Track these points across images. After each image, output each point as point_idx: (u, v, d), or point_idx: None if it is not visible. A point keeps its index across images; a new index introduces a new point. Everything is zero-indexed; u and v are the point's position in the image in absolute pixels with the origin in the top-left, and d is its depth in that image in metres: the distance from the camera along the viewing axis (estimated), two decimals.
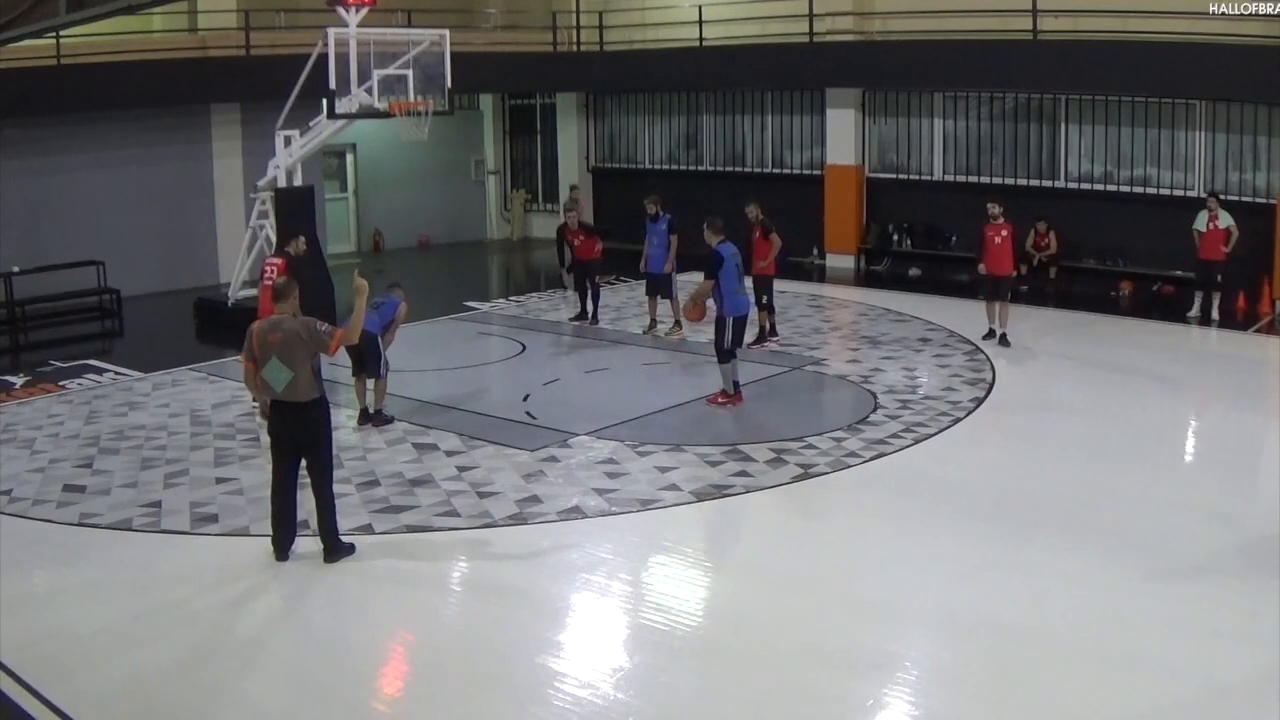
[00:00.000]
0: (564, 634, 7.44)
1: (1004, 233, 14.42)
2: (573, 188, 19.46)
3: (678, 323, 15.51)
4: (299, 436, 8.21)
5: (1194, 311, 16.21)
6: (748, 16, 20.72)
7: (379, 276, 21.26)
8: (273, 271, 12.35)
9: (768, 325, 14.94)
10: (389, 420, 11.67)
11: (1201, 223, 15.99)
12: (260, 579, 8.30)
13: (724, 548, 9.11)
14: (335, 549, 8.35)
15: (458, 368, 14.27)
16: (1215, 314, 16.01)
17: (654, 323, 15.89)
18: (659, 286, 15.69)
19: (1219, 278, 15.97)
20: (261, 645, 7.29)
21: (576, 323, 16.44)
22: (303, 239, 13.56)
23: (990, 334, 14.69)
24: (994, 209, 14.49)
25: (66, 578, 8.33)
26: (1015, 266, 14.74)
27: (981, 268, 14.59)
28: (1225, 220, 15.86)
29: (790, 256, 20.81)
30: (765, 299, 14.74)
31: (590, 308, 16.43)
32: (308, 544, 8.50)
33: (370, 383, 11.73)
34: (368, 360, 11.52)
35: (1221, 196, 16.30)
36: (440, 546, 8.76)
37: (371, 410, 11.71)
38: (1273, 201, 16.63)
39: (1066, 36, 17.48)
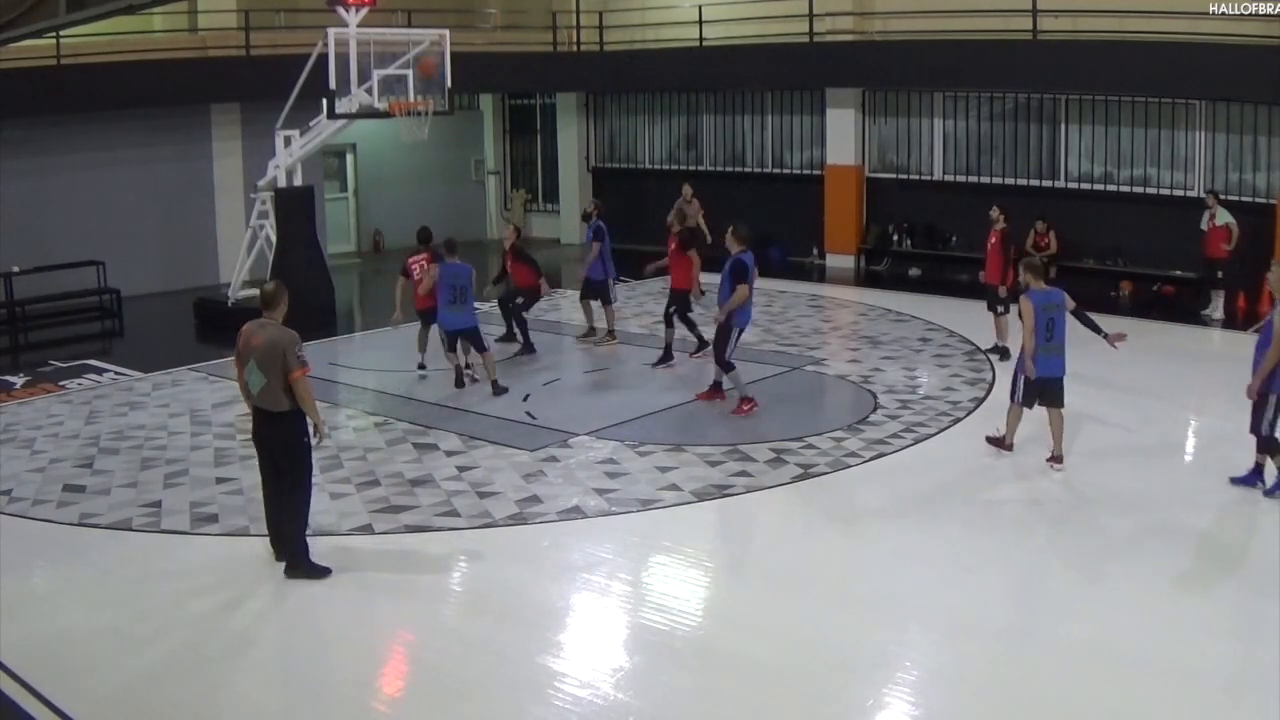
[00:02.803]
0: (564, 634, 7.45)
1: (992, 239, 13.82)
2: (685, 186, 18.63)
3: (611, 332, 15.02)
4: (273, 445, 8.09)
5: (1209, 309, 16.26)
6: (748, 16, 20.71)
7: (379, 277, 21.30)
8: (419, 269, 13.35)
9: (698, 338, 13.90)
10: (504, 390, 12.65)
11: (1204, 221, 16.06)
12: (260, 579, 8.31)
13: (724, 548, 9.12)
14: (296, 565, 8.06)
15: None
16: (1220, 313, 16.06)
17: (592, 330, 15.24)
18: (596, 292, 14.93)
19: (1219, 275, 16.01)
20: (261, 645, 7.29)
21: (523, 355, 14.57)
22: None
23: (994, 348, 14.02)
24: (991, 212, 14.03)
25: (66, 578, 8.34)
26: (1003, 277, 13.59)
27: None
28: (1224, 217, 15.93)
29: (791, 256, 20.89)
30: (673, 311, 13.77)
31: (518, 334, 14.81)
32: (311, 544, 8.49)
33: (478, 355, 12.91)
34: (473, 338, 12.82)
35: (1220, 195, 16.34)
36: (440, 546, 8.77)
37: (492, 380, 12.68)
38: (1273, 201, 16.63)
39: (1066, 36, 17.48)
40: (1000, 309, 13.85)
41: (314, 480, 9.93)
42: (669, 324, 13.89)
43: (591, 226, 15.00)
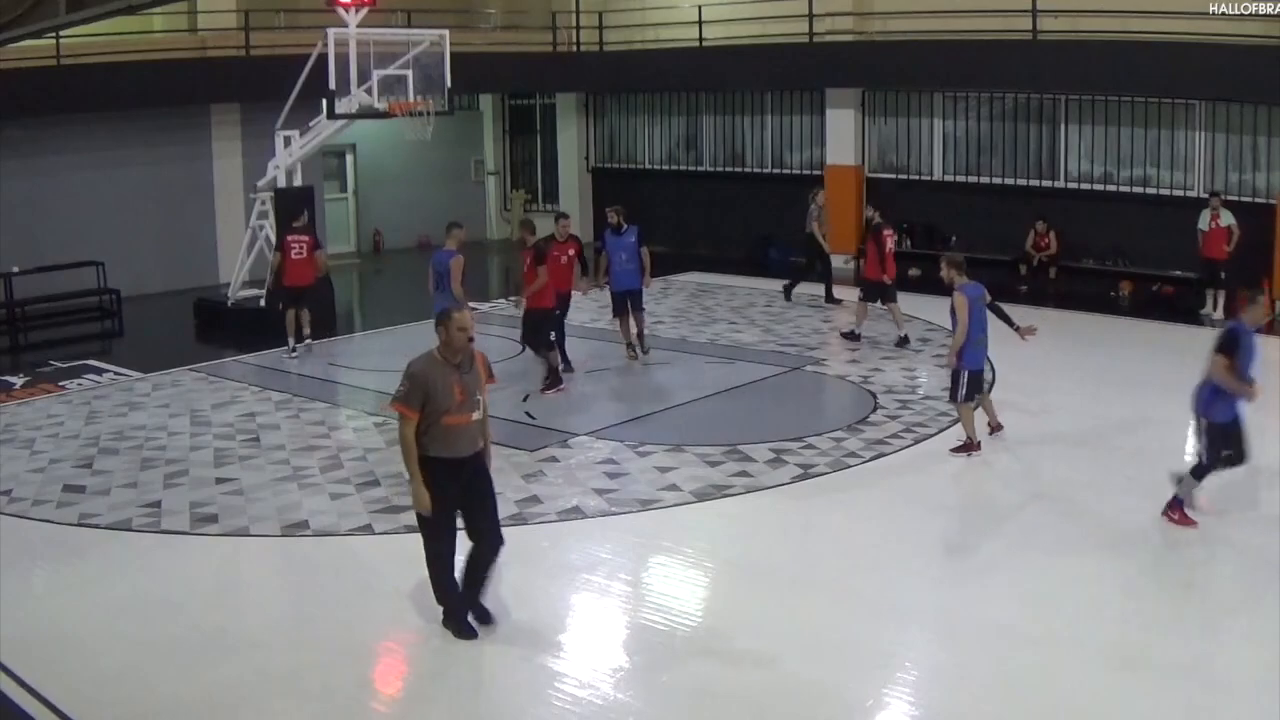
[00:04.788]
0: (564, 634, 7.44)
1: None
2: (819, 192, 17.75)
3: (632, 345, 14.00)
4: None
5: (1207, 309, 16.34)
6: (747, 17, 20.71)
7: (376, 277, 21.32)
8: (301, 249, 14.12)
9: (556, 365, 12.89)
10: None
11: (1204, 221, 16.10)
12: (259, 579, 8.31)
13: (724, 548, 9.10)
14: (447, 616, 7.23)
15: None
16: (1221, 313, 16.09)
17: (633, 345, 14.07)
18: (636, 302, 13.88)
19: (1222, 275, 16.04)
20: (261, 645, 7.28)
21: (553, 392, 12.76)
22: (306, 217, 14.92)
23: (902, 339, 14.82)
24: (866, 211, 15.23)
25: (66, 578, 8.35)
26: (876, 269, 14.75)
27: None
28: (1227, 218, 15.96)
29: (790, 257, 20.87)
30: (553, 336, 12.92)
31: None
32: (311, 544, 8.50)
33: None
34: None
35: (1224, 196, 16.36)
36: None
37: None
38: (1272, 202, 16.63)
39: (1066, 36, 17.48)
40: (880, 299, 14.88)
41: (316, 480, 10.02)
42: (549, 347, 12.83)
43: (632, 231, 13.78)
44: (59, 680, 6.70)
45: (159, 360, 14.59)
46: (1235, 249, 15.96)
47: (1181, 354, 14.85)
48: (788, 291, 18.03)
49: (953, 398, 10.57)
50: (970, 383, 10.42)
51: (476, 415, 6.92)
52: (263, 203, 16.68)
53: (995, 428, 10.89)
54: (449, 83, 15.62)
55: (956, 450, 10.52)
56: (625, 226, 13.84)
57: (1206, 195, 16.61)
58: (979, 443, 10.52)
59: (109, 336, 16.96)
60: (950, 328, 10.66)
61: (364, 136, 22.08)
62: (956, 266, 10.48)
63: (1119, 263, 18.11)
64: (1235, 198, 16.84)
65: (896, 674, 6.76)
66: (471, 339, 6.91)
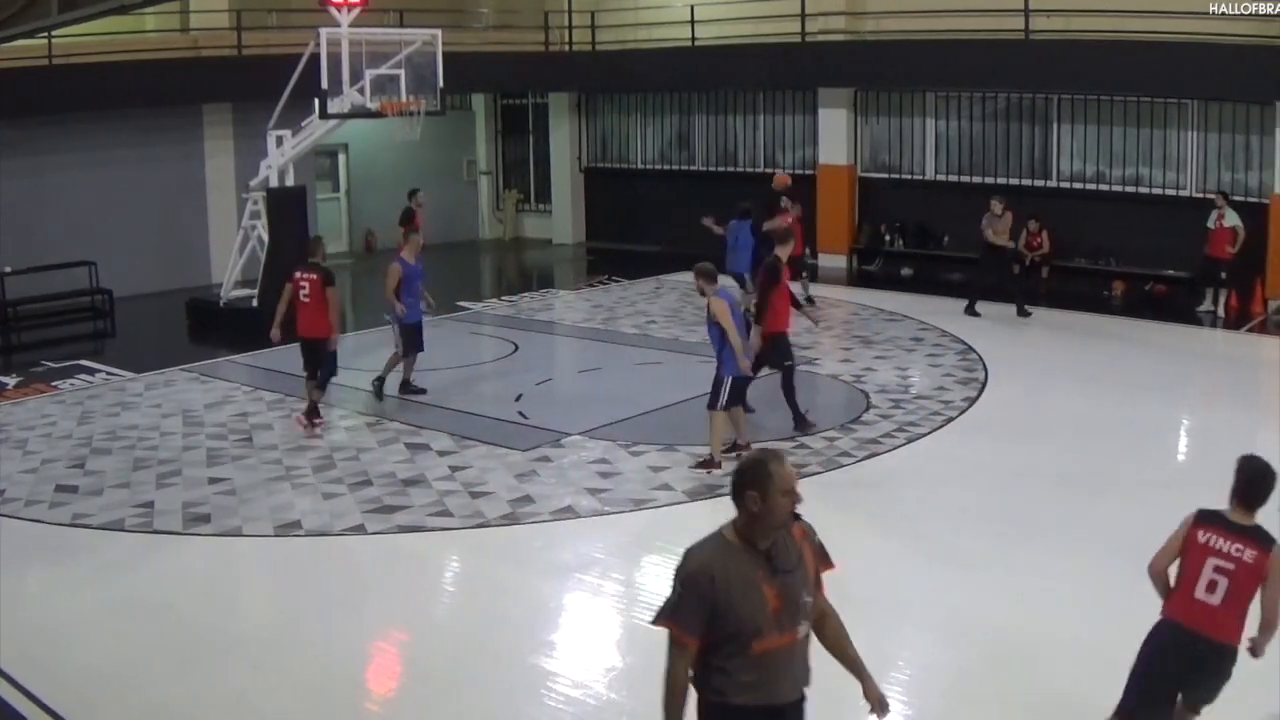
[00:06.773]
0: (557, 634, 7.44)
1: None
2: (996, 200, 16.31)
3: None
4: None
5: (1206, 306, 16.40)
6: (740, 16, 20.71)
7: (369, 277, 21.25)
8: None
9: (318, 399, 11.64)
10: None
11: (1212, 220, 16.10)
12: (253, 579, 8.30)
13: None
14: None
15: (450, 368, 14.23)
16: (1221, 311, 16.13)
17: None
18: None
19: (1223, 275, 16.08)
20: (253, 645, 7.28)
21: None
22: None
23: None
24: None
25: (59, 578, 8.32)
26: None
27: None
28: (1232, 219, 15.98)
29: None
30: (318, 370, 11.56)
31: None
32: (305, 544, 8.49)
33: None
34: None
35: (1229, 195, 16.36)
36: (433, 546, 8.76)
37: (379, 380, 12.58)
38: (1265, 201, 16.67)
39: (1059, 36, 17.51)
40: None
41: (309, 480, 10.02)
42: (312, 376, 11.59)
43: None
44: (51, 680, 6.69)
45: (152, 360, 14.55)
46: (1239, 249, 15.95)
47: (1174, 353, 14.94)
48: (971, 309, 16.28)
49: (713, 404, 9.88)
50: (733, 391, 9.88)
51: (803, 630, 4.42)
52: (255, 203, 16.66)
53: (743, 446, 10.01)
54: (441, 82, 15.63)
55: (697, 466, 9.98)
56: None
57: (1210, 195, 16.54)
58: (721, 461, 9.87)
59: (101, 337, 16.92)
60: (712, 341, 9.99)
61: (356, 136, 22.04)
62: (707, 276, 9.83)
63: (1111, 262, 18.14)
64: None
65: (893, 674, 6.76)
66: (797, 515, 4.45)
